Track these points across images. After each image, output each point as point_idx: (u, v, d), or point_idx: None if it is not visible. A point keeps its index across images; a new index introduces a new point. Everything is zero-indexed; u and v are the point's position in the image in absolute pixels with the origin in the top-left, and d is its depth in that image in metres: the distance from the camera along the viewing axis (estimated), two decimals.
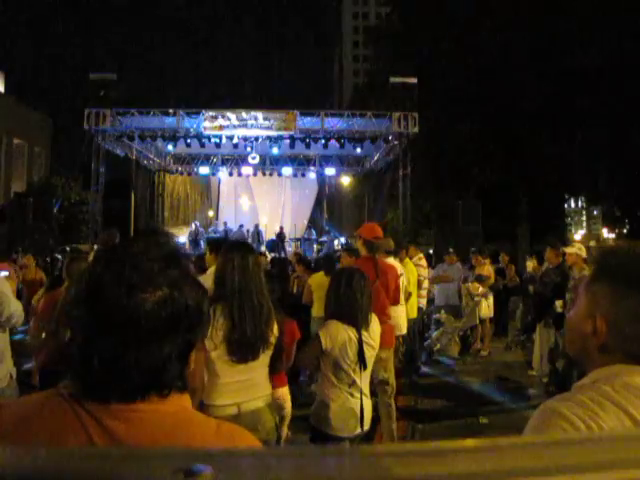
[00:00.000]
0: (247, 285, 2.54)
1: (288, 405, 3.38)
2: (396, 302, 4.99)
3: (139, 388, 0.83)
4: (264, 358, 2.59)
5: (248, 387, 2.55)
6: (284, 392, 3.37)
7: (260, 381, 2.61)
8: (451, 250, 9.15)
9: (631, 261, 1.02)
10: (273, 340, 2.59)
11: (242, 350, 2.48)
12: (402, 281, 5.76)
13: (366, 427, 2.99)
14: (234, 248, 2.69)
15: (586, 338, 1.03)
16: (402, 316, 5.65)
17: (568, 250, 6.07)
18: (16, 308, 3.58)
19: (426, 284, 7.76)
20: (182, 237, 18.95)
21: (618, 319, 0.99)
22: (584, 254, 5.83)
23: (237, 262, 2.56)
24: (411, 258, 7.38)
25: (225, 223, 19.20)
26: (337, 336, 2.92)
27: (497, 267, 9.96)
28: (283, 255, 15.76)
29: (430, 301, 8.81)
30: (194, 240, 18.10)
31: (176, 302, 0.85)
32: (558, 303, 5.73)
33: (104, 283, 0.83)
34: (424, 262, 7.97)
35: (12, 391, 3.52)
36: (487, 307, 8.76)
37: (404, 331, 5.67)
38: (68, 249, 12.18)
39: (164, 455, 0.52)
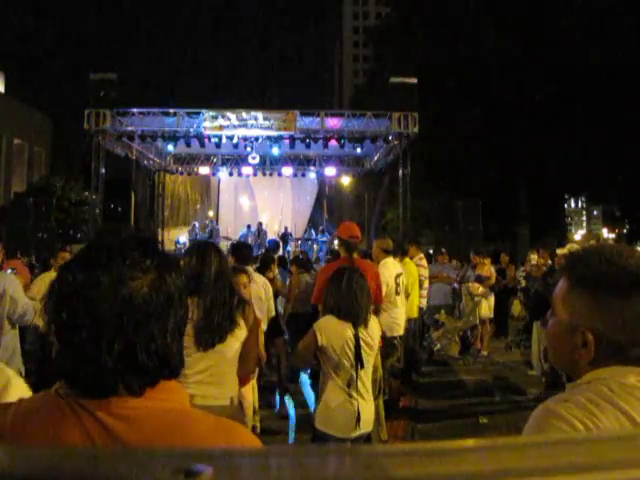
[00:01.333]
0: (222, 276, 2.64)
1: (248, 399, 3.37)
2: (377, 302, 4.88)
3: (139, 380, 0.84)
4: (231, 344, 2.55)
5: (209, 382, 2.52)
6: (245, 389, 3.30)
7: (225, 377, 2.57)
8: (443, 250, 9.17)
9: (604, 267, 0.99)
10: (242, 324, 2.60)
11: (209, 334, 2.50)
12: (402, 281, 5.75)
13: (366, 429, 2.97)
14: (207, 246, 2.85)
15: (574, 352, 1.01)
16: (400, 317, 5.61)
17: (559, 251, 6.12)
18: (28, 307, 3.60)
19: (427, 284, 7.74)
20: (182, 237, 18.95)
21: (606, 330, 0.98)
22: None
23: (213, 257, 2.66)
24: (412, 258, 7.36)
25: (212, 222, 19.15)
26: (332, 332, 2.92)
27: (497, 267, 9.96)
28: (285, 254, 15.76)
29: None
30: (194, 240, 18.11)
31: (167, 284, 0.87)
32: None
33: (89, 281, 0.83)
34: (425, 262, 7.96)
35: None
36: (487, 307, 8.75)
37: (400, 332, 5.61)
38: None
39: (164, 455, 0.53)
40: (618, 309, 0.97)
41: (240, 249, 5.30)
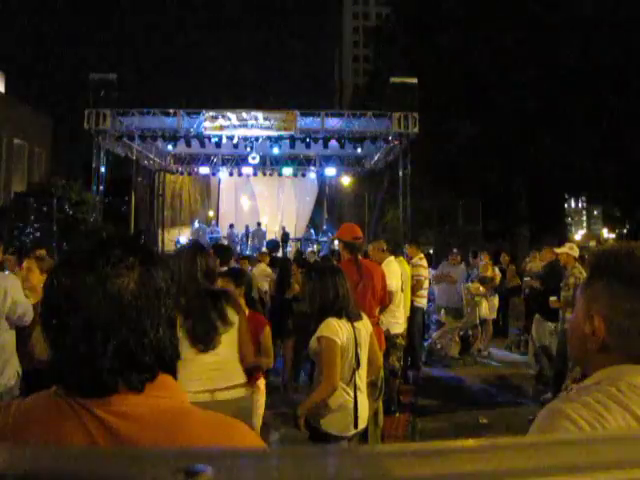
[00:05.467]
0: (191, 284, 2.74)
1: (261, 397, 3.44)
2: (383, 303, 4.81)
3: (138, 375, 0.84)
4: (227, 340, 2.71)
5: (219, 376, 2.66)
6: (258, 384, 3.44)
7: (231, 368, 2.72)
8: (455, 250, 9.13)
9: (624, 259, 1.03)
10: (231, 323, 2.76)
11: (201, 339, 2.65)
12: (404, 280, 5.79)
13: (362, 425, 2.98)
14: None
15: (586, 339, 1.03)
16: (401, 316, 5.62)
17: (559, 250, 6.14)
18: (27, 308, 3.61)
19: (426, 284, 7.74)
20: (182, 237, 18.93)
21: (615, 316, 1.00)
22: (575, 253, 5.89)
23: (183, 266, 2.78)
24: (411, 258, 7.37)
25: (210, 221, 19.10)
26: (343, 331, 2.92)
27: (498, 267, 9.96)
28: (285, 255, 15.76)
29: (430, 301, 8.80)
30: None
31: (154, 278, 0.88)
32: (552, 299, 5.78)
33: (75, 285, 0.83)
34: (425, 262, 7.95)
35: (19, 390, 3.55)
36: (489, 308, 8.75)
37: (401, 330, 5.62)
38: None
39: (164, 455, 0.53)
40: (626, 295, 1.00)
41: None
